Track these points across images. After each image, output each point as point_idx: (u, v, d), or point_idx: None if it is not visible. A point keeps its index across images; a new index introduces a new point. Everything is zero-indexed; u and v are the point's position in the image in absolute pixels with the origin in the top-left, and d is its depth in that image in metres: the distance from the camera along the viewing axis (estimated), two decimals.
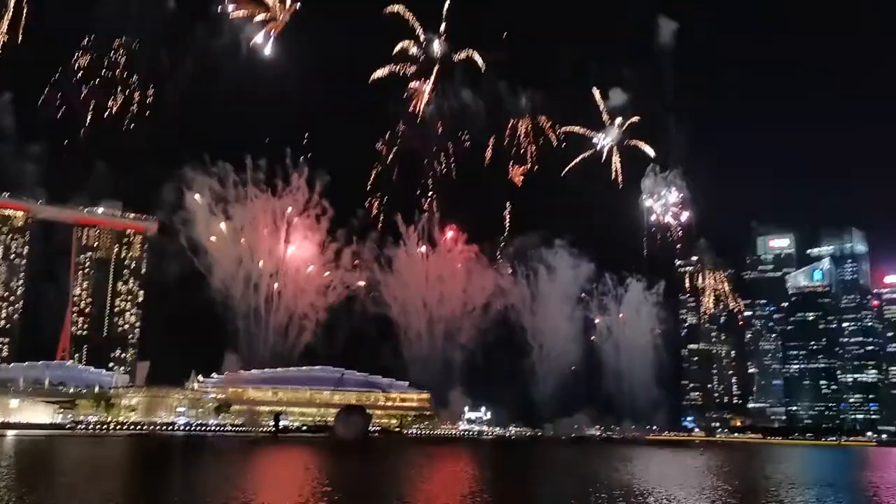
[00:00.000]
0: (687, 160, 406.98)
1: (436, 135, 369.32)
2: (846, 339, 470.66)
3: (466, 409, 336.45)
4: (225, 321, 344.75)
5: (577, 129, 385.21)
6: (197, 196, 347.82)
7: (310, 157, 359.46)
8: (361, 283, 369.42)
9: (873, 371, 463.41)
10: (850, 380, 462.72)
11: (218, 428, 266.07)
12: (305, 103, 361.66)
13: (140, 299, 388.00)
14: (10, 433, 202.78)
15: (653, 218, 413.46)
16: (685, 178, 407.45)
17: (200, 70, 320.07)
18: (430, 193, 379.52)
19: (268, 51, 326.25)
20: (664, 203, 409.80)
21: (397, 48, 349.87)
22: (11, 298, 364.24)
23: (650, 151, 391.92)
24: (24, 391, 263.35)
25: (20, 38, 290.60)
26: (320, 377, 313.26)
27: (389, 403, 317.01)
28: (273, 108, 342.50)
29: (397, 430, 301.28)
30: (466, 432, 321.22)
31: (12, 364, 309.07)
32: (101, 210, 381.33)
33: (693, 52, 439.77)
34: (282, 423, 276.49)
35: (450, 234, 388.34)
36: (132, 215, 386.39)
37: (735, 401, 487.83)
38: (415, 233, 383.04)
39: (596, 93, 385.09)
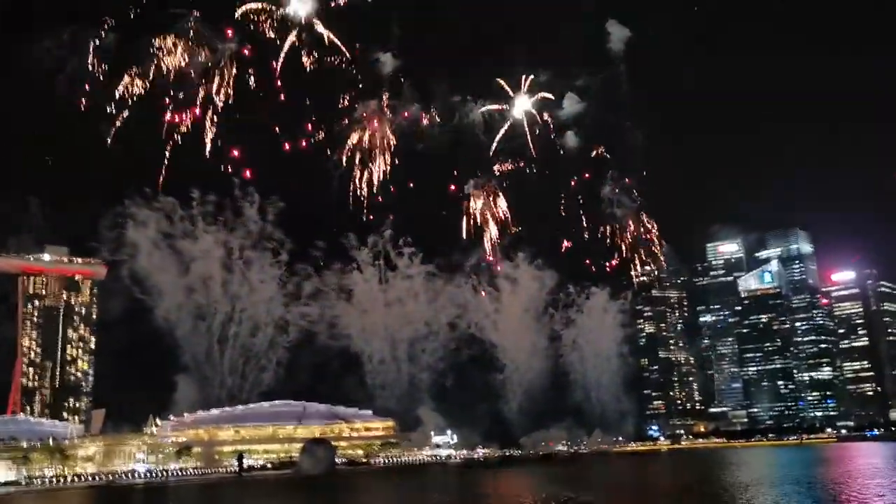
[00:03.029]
0: (644, 168, 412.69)
1: (386, 154, 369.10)
2: (800, 339, 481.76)
3: (432, 433, 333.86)
4: (179, 363, 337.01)
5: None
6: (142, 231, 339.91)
7: (259, 188, 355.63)
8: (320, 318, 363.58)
9: (828, 368, 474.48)
10: (807, 378, 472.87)
11: (180, 472, 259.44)
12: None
13: (92, 346, 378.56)
14: None
15: (609, 227, 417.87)
16: (643, 186, 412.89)
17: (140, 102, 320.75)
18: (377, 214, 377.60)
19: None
20: (622, 212, 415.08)
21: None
22: None
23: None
24: None
25: None
26: (282, 412, 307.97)
27: (354, 434, 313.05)
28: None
29: (364, 460, 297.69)
30: (434, 458, 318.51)
31: None
32: (47, 257, 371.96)
33: (645, 58, 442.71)
34: (245, 463, 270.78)
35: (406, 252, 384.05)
36: (80, 260, 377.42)
37: (697, 406, 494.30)
38: (370, 255, 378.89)
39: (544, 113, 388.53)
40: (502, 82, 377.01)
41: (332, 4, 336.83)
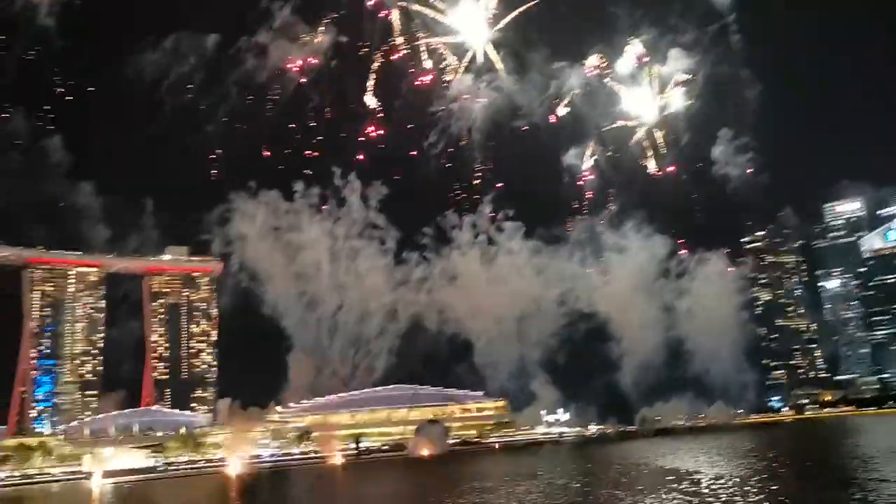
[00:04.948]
0: (758, 126, 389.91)
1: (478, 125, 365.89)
2: None
3: (544, 411, 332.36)
4: (292, 351, 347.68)
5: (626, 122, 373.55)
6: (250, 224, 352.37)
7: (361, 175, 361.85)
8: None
9: None
10: None
11: (302, 456, 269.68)
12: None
13: (213, 338, 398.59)
14: (110, 480, 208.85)
15: (725, 189, 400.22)
16: (757, 145, 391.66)
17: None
18: (477, 186, 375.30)
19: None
20: (736, 172, 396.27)
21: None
22: (94, 352, 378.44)
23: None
24: (115, 439, 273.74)
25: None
26: (395, 396, 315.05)
27: (466, 415, 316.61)
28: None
29: (477, 440, 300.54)
30: (547, 435, 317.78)
31: (102, 415, 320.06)
32: (167, 257, 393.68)
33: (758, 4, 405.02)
34: (363, 445, 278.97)
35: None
36: (197, 258, 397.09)
37: (821, 374, 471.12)
38: (472, 233, 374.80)
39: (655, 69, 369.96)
40: (600, 54, 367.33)
41: None
